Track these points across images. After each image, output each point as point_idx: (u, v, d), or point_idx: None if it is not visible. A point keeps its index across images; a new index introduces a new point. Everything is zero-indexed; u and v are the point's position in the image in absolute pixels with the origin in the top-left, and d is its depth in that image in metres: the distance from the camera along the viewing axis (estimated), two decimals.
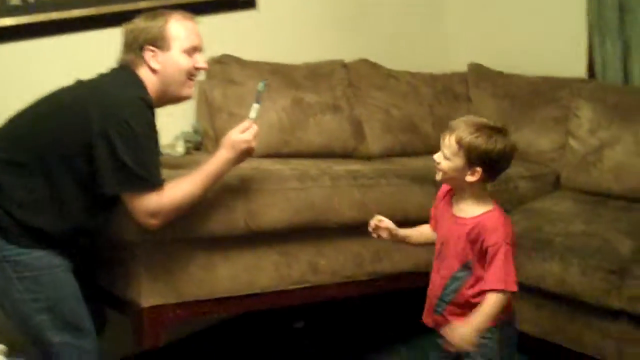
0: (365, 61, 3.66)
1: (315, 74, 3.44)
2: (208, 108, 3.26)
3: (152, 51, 2.32)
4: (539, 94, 3.61)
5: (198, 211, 2.46)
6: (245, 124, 2.39)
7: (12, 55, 2.78)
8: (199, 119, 3.30)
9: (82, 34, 2.98)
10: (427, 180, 2.95)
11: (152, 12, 2.40)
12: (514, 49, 3.92)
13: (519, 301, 2.83)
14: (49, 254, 2.24)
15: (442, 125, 3.52)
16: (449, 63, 4.01)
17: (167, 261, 2.48)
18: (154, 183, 2.22)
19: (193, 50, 2.38)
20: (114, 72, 2.40)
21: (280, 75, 3.34)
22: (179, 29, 2.35)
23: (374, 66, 3.66)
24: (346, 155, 3.37)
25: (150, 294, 2.47)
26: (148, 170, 2.21)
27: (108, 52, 2.62)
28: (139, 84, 2.32)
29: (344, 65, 3.58)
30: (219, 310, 2.81)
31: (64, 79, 2.37)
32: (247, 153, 2.39)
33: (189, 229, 2.48)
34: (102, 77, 2.38)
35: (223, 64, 3.26)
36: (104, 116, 2.19)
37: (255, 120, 2.43)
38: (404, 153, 3.53)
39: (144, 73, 2.34)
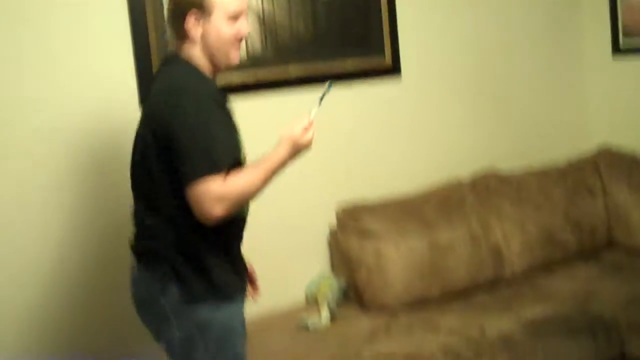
0: (492, 175, 3.61)
1: (446, 205, 3.41)
2: (345, 261, 3.32)
3: (195, 15, 2.13)
4: None
5: None
6: (305, 122, 2.19)
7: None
8: (335, 270, 3.38)
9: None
10: (582, 330, 2.94)
11: None
12: None
13: None
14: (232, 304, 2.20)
15: (581, 229, 3.55)
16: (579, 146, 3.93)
17: None
18: (218, 165, 2.05)
19: (236, 16, 2.18)
20: (161, 71, 2.27)
21: (411, 215, 3.34)
22: None
23: (502, 180, 3.60)
24: (489, 282, 3.38)
25: None
26: (210, 154, 2.05)
27: None
28: (185, 68, 2.18)
29: (472, 186, 3.53)
30: None
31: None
32: (304, 151, 2.20)
33: None
34: (154, 84, 2.25)
35: (355, 217, 3.28)
36: (161, 114, 2.10)
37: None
38: (545, 266, 3.51)
39: (188, 49, 2.18)
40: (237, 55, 2.21)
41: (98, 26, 2.87)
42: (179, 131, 2.04)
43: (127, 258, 2.27)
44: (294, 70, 3.27)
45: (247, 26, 2.20)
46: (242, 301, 2.27)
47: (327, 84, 2.26)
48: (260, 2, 3.18)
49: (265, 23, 3.20)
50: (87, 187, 2.88)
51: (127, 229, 2.28)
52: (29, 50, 2.74)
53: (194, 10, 2.12)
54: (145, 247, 2.20)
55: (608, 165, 3.72)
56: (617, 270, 3.40)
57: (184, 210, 2.08)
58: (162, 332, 2.20)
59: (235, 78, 3.12)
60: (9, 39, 2.71)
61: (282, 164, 2.16)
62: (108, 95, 2.88)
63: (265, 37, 3.21)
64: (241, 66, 3.11)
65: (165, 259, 2.15)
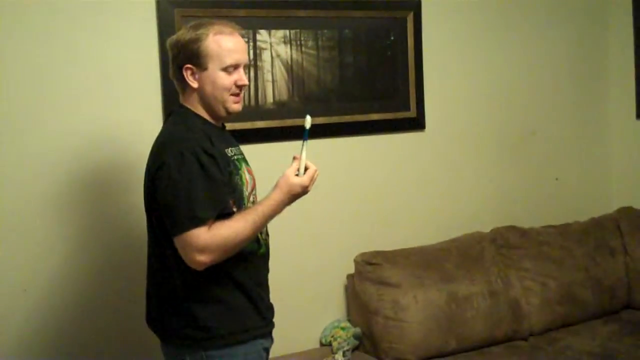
0: (513, 229, 3.62)
1: (466, 258, 3.42)
2: (362, 309, 3.32)
3: (190, 69, 2.21)
4: None
5: None
6: (295, 165, 2.25)
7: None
8: (351, 317, 3.39)
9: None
10: None
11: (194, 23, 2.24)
12: None
13: None
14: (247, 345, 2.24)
15: (601, 287, 3.53)
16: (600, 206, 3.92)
17: None
18: (200, 218, 2.09)
19: (233, 68, 2.22)
20: (165, 122, 2.38)
21: (431, 266, 3.34)
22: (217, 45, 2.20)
23: (524, 234, 3.60)
24: (507, 337, 3.36)
25: None
26: (192, 208, 2.09)
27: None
28: (181, 119, 2.24)
29: (493, 240, 3.54)
30: None
31: None
32: (301, 195, 2.25)
33: None
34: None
35: (374, 265, 3.29)
36: (150, 170, 2.19)
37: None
38: (564, 324, 3.49)
39: (189, 99, 2.25)
40: (236, 104, 2.25)
41: (129, 59, 2.93)
42: (163, 187, 2.12)
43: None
44: (319, 120, 3.32)
45: (244, 77, 2.24)
46: (263, 341, 2.29)
47: (308, 120, 2.25)
48: (289, 51, 3.26)
49: (292, 72, 3.28)
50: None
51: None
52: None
53: (189, 65, 2.19)
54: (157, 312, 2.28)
55: (629, 225, 3.71)
56: (636, 329, 3.37)
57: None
58: None
59: (260, 124, 3.20)
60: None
61: (277, 209, 2.21)
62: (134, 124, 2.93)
63: (293, 85, 3.29)
64: (268, 113, 3.22)
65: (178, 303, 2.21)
